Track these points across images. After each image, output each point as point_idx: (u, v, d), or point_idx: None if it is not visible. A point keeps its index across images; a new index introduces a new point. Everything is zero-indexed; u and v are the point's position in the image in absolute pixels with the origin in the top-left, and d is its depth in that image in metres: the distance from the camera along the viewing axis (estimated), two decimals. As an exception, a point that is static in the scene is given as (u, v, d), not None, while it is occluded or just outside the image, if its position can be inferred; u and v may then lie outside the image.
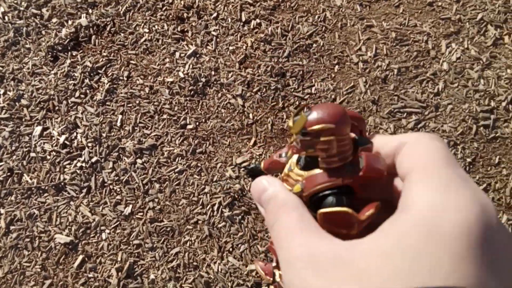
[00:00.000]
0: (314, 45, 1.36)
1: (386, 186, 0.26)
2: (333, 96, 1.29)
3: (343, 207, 0.23)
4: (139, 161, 1.24)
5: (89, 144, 1.26)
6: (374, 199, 0.24)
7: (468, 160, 1.19)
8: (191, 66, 1.33)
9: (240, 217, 1.17)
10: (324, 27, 1.38)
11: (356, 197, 0.25)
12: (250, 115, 1.28)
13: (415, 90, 1.28)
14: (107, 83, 1.33)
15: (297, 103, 1.29)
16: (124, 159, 1.24)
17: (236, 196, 1.19)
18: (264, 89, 1.31)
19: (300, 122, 0.24)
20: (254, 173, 0.35)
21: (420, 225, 0.19)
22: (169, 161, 1.23)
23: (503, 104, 1.23)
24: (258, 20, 1.39)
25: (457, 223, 0.18)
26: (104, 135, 1.27)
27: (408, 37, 1.34)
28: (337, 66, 1.33)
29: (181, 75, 1.32)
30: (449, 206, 0.19)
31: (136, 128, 1.28)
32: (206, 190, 1.20)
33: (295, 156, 0.28)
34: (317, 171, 0.25)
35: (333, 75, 1.32)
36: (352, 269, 0.19)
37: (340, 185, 0.24)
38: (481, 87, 1.25)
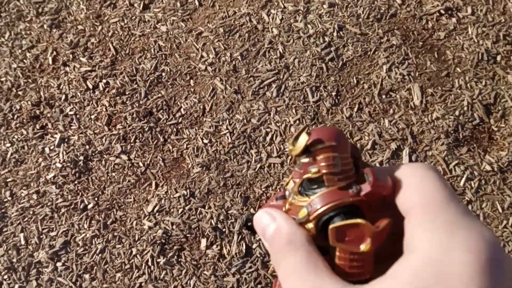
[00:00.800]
0: (163, 73, 1.42)
1: (393, 211, 0.25)
2: (201, 107, 1.34)
3: (356, 219, 0.22)
4: (59, 264, 1.20)
5: (5, 277, 1.21)
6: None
7: (334, 93, 1.29)
8: (64, 152, 1.33)
9: (176, 257, 1.17)
10: (163, 55, 1.44)
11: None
12: (140, 164, 1.30)
13: (263, 64, 1.36)
14: (-6, 212, 1.29)
15: (175, 130, 1.33)
16: (45, 271, 1.20)
17: (163, 241, 1.19)
18: (140, 135, 1.33)
19: (302, 142, 0.24)
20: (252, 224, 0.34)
21: (429, 265, 0.19)
22: (86, 247, 1.21)
23: (334, 34, 1.34)
24: (104, 80, 1.43)
25: (468, 263, 0.18)
26: (14, 260, 1.23)
27: (235, 25, 1.44)
28: (191, 80, 1.39)
29: (59, 165, 1.32)
30: (457, 246, 0.19)
31: (41, 236, 1.25)
32: (134, 252, 1.19)
33: (291, 185, 0.27)
34: (322, 192, 0.24)
35: (192, 90, 1.38)
36: None
37: (349, 203, 0.23)
38: (311, 31, 1.36)
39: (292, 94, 1.32)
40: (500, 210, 1.13)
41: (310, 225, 0.24)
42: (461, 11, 1.39)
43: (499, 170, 1.16)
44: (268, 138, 1.28)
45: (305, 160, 0.24)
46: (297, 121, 1.28)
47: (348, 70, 1.32)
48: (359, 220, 0.22)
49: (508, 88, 1.25)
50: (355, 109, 1.27)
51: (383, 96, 1.29)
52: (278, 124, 1.29)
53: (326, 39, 1.34)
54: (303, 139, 0.24)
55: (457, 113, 1.24)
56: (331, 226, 0.22)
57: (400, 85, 1.29)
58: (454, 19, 1.37)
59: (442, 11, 1.37)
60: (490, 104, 1.24)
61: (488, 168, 1.16)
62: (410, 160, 1.20)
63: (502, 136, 1.21)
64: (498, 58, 1.30)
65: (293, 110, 1.30)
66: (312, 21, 1.38)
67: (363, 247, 0.22)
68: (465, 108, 1.24)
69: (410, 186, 0.23)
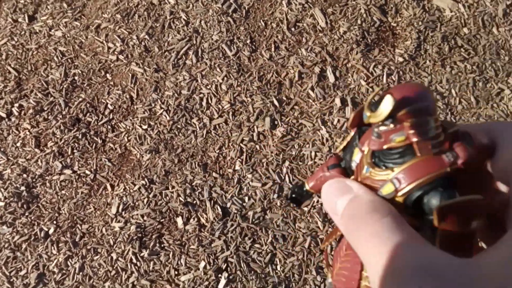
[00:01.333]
0: (76, 77, 1.35)
1: (485, 185, 0.22)
2: (128, 96, 1.31)
3: (474, 196, 0.18)
4: (41, 298, 1.14)
5: (-12, 335, 1.13)
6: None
7: (248, 41, 1.33)
8: (2, 190, 1.24)
9: (158, 245, 1.17)
10: (68, 59, 1.38)
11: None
12: (87, 172, 1.25)
13: (172, 35, 1.36)
14: None
15: (109, 127, 1.29)
16: (29, 311, 1.14)
17: (140, 235, 1.18)
18: (76, 144, 1.28)
19: (387, 107, 0.19)
20: (299, 197, 0.29)
21: None
22: (64, 271, 1.16)
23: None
24: (16, 104, 1.33)
25: None
26: (-9, 315, 1.14)
27: (130, 8, 1.41)
28: (108, 74, 1.35)
29: (2, 203, 1.23)
30: None
31: (12, 279, 1.17)
32: (114, 257, 1.17)
33: (357, 155, 0.23)
34: (412, 162, 0.20)
35: (112, 83, 1.34)
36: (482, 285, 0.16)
37: (446, 174, 0.19)
38: (207, -10, 1.38)
39: (210, 54, 1.34)
40: (421, 92, 1.27)
41: (397, 203, 0.20)
42: None
43: (410, 58, 1.30)
44: (204, 103, 1.29)
45: (387, 127, 0.20)
46: (225, 78, 1.31)
47: (253, 15, 1.36)
48: (475, 196, 0.18)
49: (393, -13, 1.38)
50: (273, 49, 1.32)
51: (293, 29, 1.36)
52: (208, 87, 1.31)
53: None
54: (389, 103, 0.19)
55: (359, 21, 1.34)
56: (439, 205, 0.19)
57: (303, 14, 1.37)
58: None
59: None
60: (383, 4, 1.37)
61: (400, 59, 1.29)
62: (336, 77, 1.29)
63: (402, 29, 1.34)
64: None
65: (218, 69, 1.32)
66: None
67: (473, 226, 0.19)
68: (364, 15, 1.35)
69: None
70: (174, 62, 1.34)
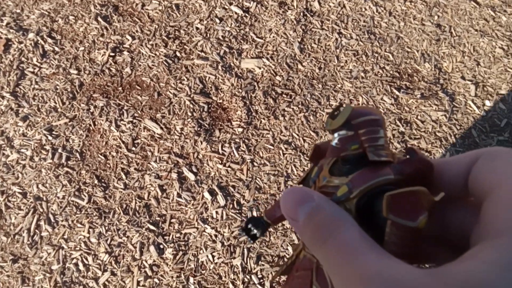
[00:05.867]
0: None
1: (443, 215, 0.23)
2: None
3: (417, 187, 0.20)
4: None
5: None
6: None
7: (96, 182, 1.28)
8: None
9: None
10: None
11: None
12: None
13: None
14: None
15: None
16: None
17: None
18: None
19: (345, 113, 0.22)
20: (255, 228, 0.29)
21: None
22: None
23: None
24: None
25: None
26: None
27: None
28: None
29: None
30: None
31: None
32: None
33: (315, 172, 0.25)
34: (365, 168, 0.22)
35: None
36: None
37: (394, 181, 0.21)
38: None
39: (64, 214, 1.25)
40: (272, 147, 1.36)
41: (350, 206, 0.22)
42: None
43: (247, 124, 1.39)
44: (81, 267, 1.19)
45: (344, 133, 0.23)
46: (90, 230, 1.23)
47: (89, 154, 1.32)
48: (420, 188, 0.20)
49: None
50: (124, 177, 1.29)
51: (133, 149, 1.35)
52: (77, 248, 1.21)
53: None
54: (347, 110, 0.22)
55: (189, 113, 1.40)
56: (387, 194, 0.20)
57: (136, 130, 1.37)
58: None
59: None
60: (202, 88, 1.44)
61: (240, 129, 1.38)
62: (194, 173, 1.31)
63: (228, 102, 1.43)
64: None
65: (79, 225, 1.24)
66: None
67: (419, 222, 0.20)
68: (191, 106, 1.41)
69: (491, 166, 0.20)
70: (29, 242, 1.22)
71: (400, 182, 0.21)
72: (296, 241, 1.23)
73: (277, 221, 0.31)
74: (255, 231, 0.31)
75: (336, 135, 0.23)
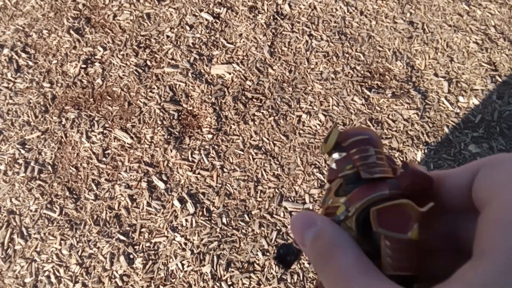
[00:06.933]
0: None
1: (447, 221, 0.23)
2: None
3: (400, 200, 0.21)
4: None
5: None
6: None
7: (67, 193, 1.29)
8: None
9: None
10: None
11: None
12: None
13: None
14: None
15: None
16: None
17: None
18: None
19: (333, 137, 0.24)
20: (286, 256, 0.28)
21: (509, 272, 0.16)
22: None
23: None
24: None
25: None
26: None
27: None
28: None
29: None
30: None
31: None
32: None
33: (329, 197, 0.26)
34: (360, 186, 0.23)
35: None
36: None
37: (388, 196, 0.22)
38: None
39: (37, 227, 1.27)
40: (242, 152, 1.36)
41: (351, 224, 0.23)
42: None
43: (217, 130, 1.39)
44: (53, 279, 1.21)
45: (338, 156, 0.24)
46: (62, 241, 1.24)
47: (61, 166, 1.33)
48: (403, 200, 0.21)
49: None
50: (94, 188, 1.30)
51: (104, 159, 1.36)
52: (49, 261, 1.23)
53: None
54: (334, 134, 0.24)
55: (159, 122, 1.40)
56: (372, 209, 0.21)
57: (106, 141, 1.38)
58: None
59: None
60: (172, 96, 1.45)
61: (210, 136, 1.38)
62: (164, 182, 1.32)
63: (198, 109, 1.44)
64: None
65: (51, 237, 1.25)
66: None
67: (410, 233, 0.20)
68: (161, 114, 1.42)
69: (490, 176, 0.20)
70: (3, 256, 1.23)
71: (398, 196, 0.22)
72: (265, 247, 1.23)
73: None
74: (288, 258, 0.31)
75: (332, 157, 0.25)
